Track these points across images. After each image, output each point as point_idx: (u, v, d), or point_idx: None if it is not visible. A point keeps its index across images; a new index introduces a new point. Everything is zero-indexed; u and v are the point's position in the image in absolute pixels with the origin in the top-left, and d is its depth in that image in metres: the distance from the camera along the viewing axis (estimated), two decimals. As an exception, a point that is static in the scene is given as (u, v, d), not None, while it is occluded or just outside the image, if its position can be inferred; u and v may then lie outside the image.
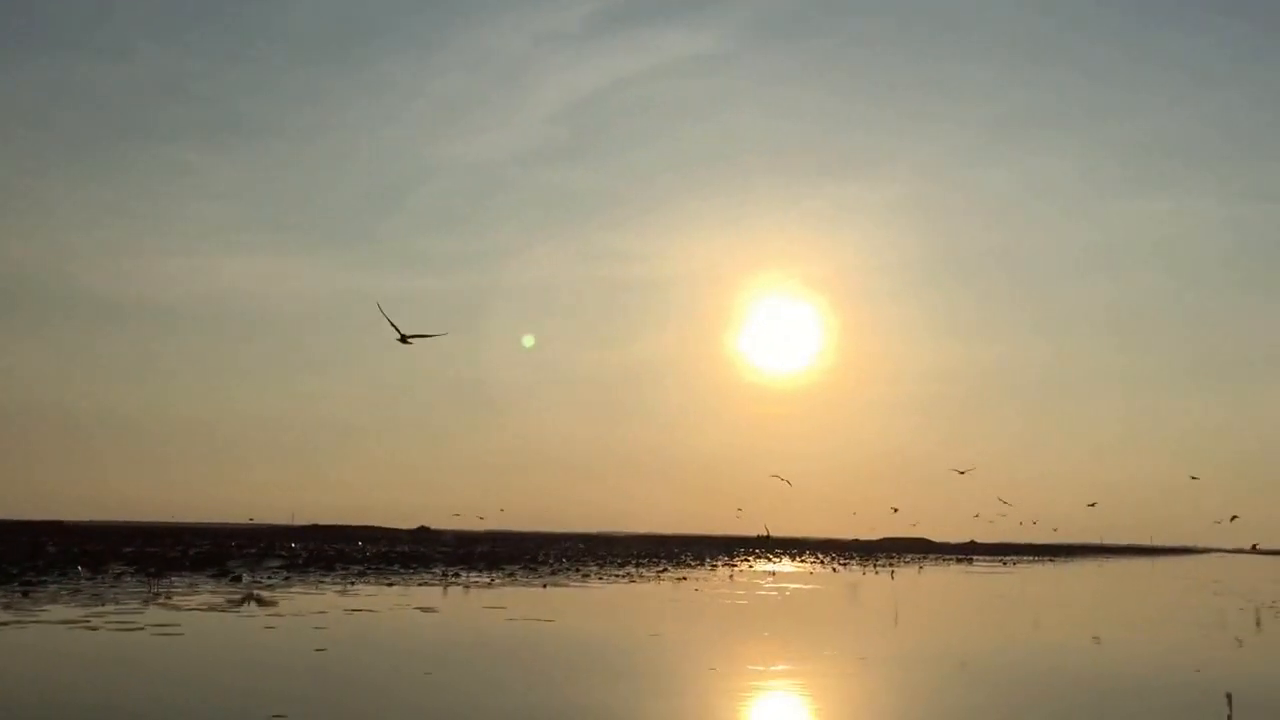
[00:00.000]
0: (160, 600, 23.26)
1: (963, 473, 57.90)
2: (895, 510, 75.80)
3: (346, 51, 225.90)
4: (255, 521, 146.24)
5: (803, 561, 71.94)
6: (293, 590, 27.86)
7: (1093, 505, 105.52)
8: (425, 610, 22.35)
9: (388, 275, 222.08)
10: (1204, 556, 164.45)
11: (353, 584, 31.86)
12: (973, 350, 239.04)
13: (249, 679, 12.62)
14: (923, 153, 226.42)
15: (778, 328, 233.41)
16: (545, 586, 33.91)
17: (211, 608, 21.56)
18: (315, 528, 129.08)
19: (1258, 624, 26.51)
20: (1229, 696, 10.64)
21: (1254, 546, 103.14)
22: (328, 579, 33.88)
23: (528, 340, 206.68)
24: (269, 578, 33.86)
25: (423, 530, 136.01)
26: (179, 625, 17.94)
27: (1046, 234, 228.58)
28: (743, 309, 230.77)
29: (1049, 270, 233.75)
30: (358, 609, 22.03)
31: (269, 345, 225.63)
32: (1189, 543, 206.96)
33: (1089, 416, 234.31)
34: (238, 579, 32.32)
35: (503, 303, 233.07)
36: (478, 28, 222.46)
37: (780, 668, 14.78)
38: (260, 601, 23.56)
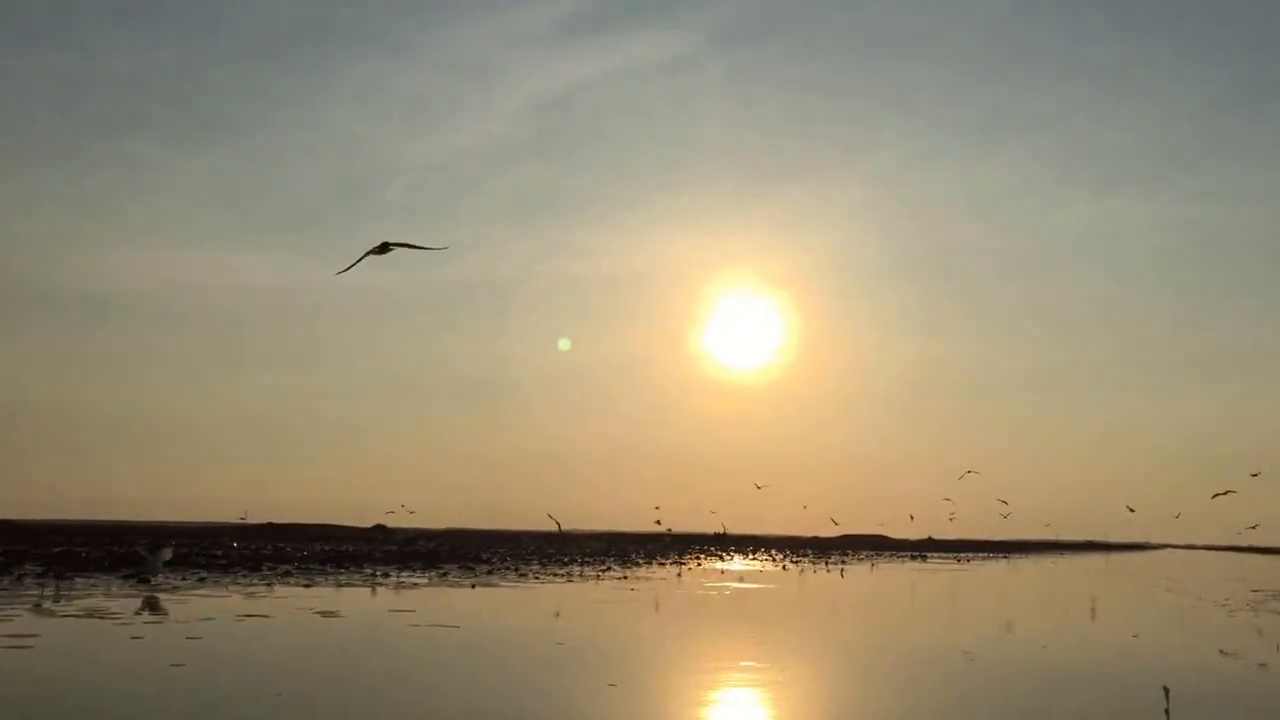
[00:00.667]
0: (47, 604, 21.66)
1: (972, 473, 57.62)
2: (835, 523, 75.09)
3: (311, 48, 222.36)
4: (204, 520, 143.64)
5: (756, 559, 70.91)
6: (199, 593, 26.24)
7: (1133, 510, 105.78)
8: (325, 615, 20.84)
9: (350, 272, 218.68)
10: (1156, 552, 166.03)
11: (270, 585, 30.30)
12: (934, 347, 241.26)
13: (68, 702, 11.15)
14: (885, 153, 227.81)
15: (741, 325, 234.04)
16: (474, 587, 32.50)
17: (93, 613, 19.96)
18: (269, 526, 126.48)
19: (1198, 617, 25.60)
20: (1166, 690, 10.69)
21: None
22: (246, 580, 32.25)
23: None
24: (183, 579, 32.23)
25: (379, 529, 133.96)
26: (39, 635, 16.37)
27: (996, 236, 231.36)
28: (707, 306, 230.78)
29: (996, 272, 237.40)
30: (252, 614, 20.51)
31: (230, 341, 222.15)
32: (1141, 539, 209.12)
33: (1038, 414, 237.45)
34: (145, 580, 30.65)
35: (467, 300, 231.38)
36: (447, 28, 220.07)
37: (684, 678, 13.50)
38: (153, 608, 21.98)
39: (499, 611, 24.13)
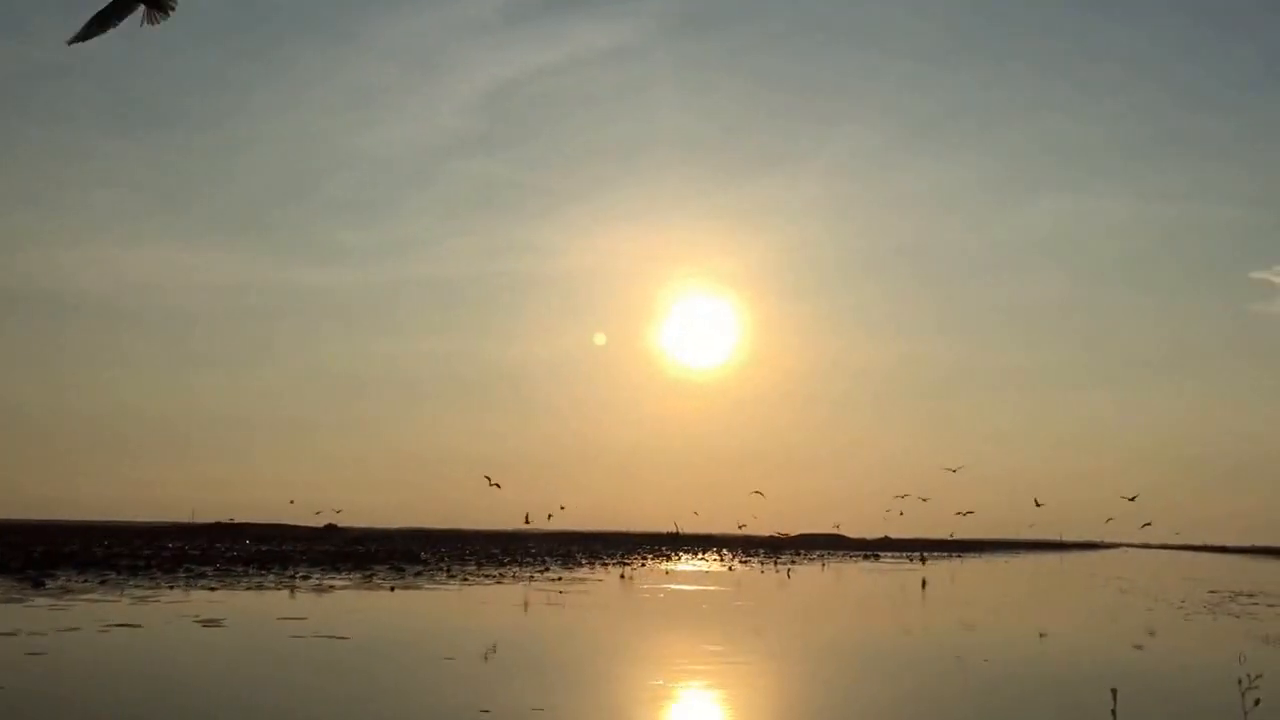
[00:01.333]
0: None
1: (954, 470, 56.47)
2: (783, 535, 73.73)
3: (257, 37, 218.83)
4: (153, 520, 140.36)
5: (705, 559, 69.46)
6: (88, 598, 24.30)
7: (1040, 504, 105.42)
8: (206, 624, 18.98)
9: (295, 267, 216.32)
10: (1110, 551, 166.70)
11: (174, 589, 28.36)
12: (883, 347, 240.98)
13: None
14: (836, 152, 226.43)
15: (696, 323, 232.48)
16: (393, 590, 30.69)
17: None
18: (217, 525, 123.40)
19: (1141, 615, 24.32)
20: (1114, 692, 10.63)
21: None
22: (151, 584, 30.24)
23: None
24: (85, 581, 30.22)
25: (330, 528, 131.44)
26: None
27: (955, 234, 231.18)
28: (662, 304, 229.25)
29: (957, 269, 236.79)
30: (125, 624, 18.61)
31: (171, 338, 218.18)
32: (1096, 538, 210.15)
33: (999, 414, 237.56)
34: (40, 584, 28.61)
35: (415, 296, 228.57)
36: (392, 16, 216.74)
37: (570, 703, 11.87)
38: (21, 615, 20.04)
39: (404, 618, 22.37)
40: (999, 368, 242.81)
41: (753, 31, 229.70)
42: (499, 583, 35.63)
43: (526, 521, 47.72)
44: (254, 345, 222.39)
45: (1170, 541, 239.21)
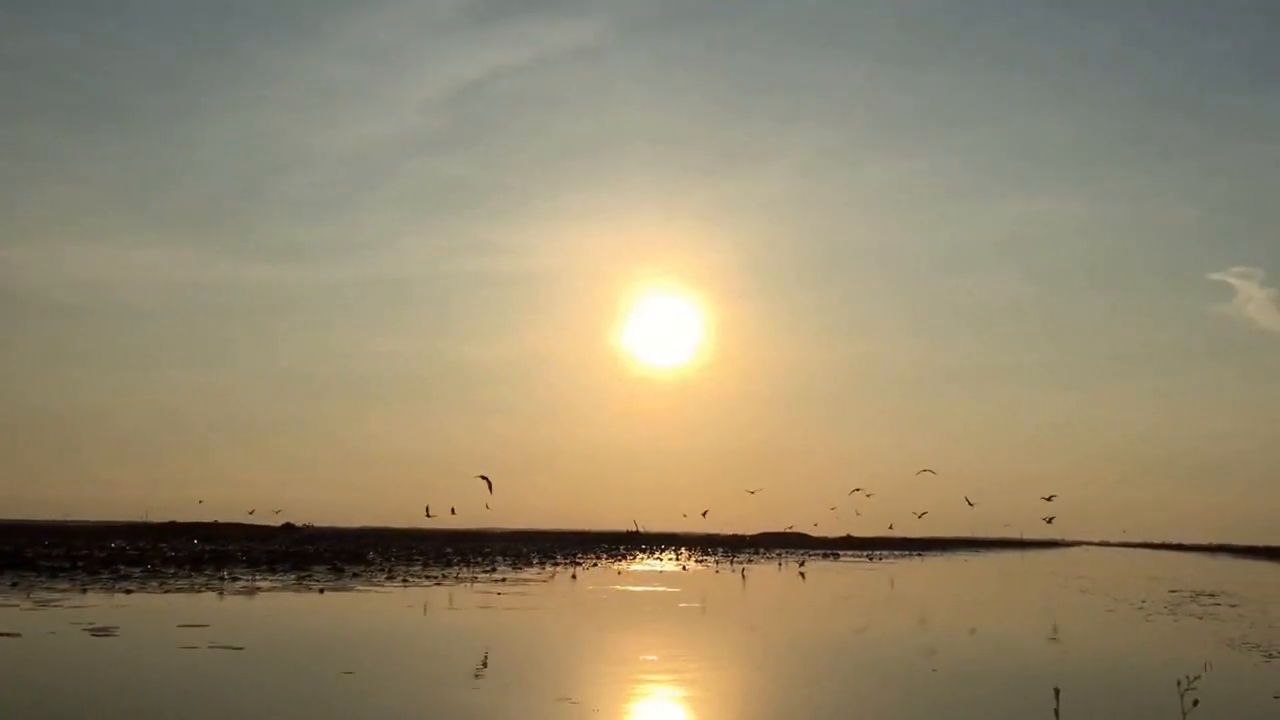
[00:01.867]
0: None
1: (930, 472, 55.51)
2: (704, 513, 72.93)
3: (216, 33, 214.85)
4: (105, 519, 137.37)
5: (662, 558, 68.36)
6: (-11, 603, 22.80)
7: (972, 504, 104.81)
8: (98, 632, 17.47)
9: (252, 266, 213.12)
10: (1070, 550, 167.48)
11: (85, 592, 26.84)
12: (851, 346, 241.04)
13: None
14: (801, 151, 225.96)
15: (659, 323, 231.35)
16: (323, 592, 29.28)
17: None
18: (171, 525, 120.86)
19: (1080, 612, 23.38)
20: (1057, 691, 10.77)
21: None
22: (64, 587, 28.63)
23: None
24: (-5, 584, 28.68)
25: (288, 528, 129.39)
26: None
27: (919, 233, 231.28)
28: (624, 304, 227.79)
29: (921, 269, 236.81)
30: (6, 632, 17.14)
31: (123, 336, 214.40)
32: (1057, 536, 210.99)
33: (961, 412, 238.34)
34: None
35: (374, 295, 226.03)
36: (355, 14, 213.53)
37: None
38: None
39: (316, 624, 20.98)
40: (961, 367, 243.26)
41: (716, 31, 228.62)
42: (439, 584, 34.25)
43: (428, 514, 46.51)
44: (208, 343, 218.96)
45: (1130, 539, 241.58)
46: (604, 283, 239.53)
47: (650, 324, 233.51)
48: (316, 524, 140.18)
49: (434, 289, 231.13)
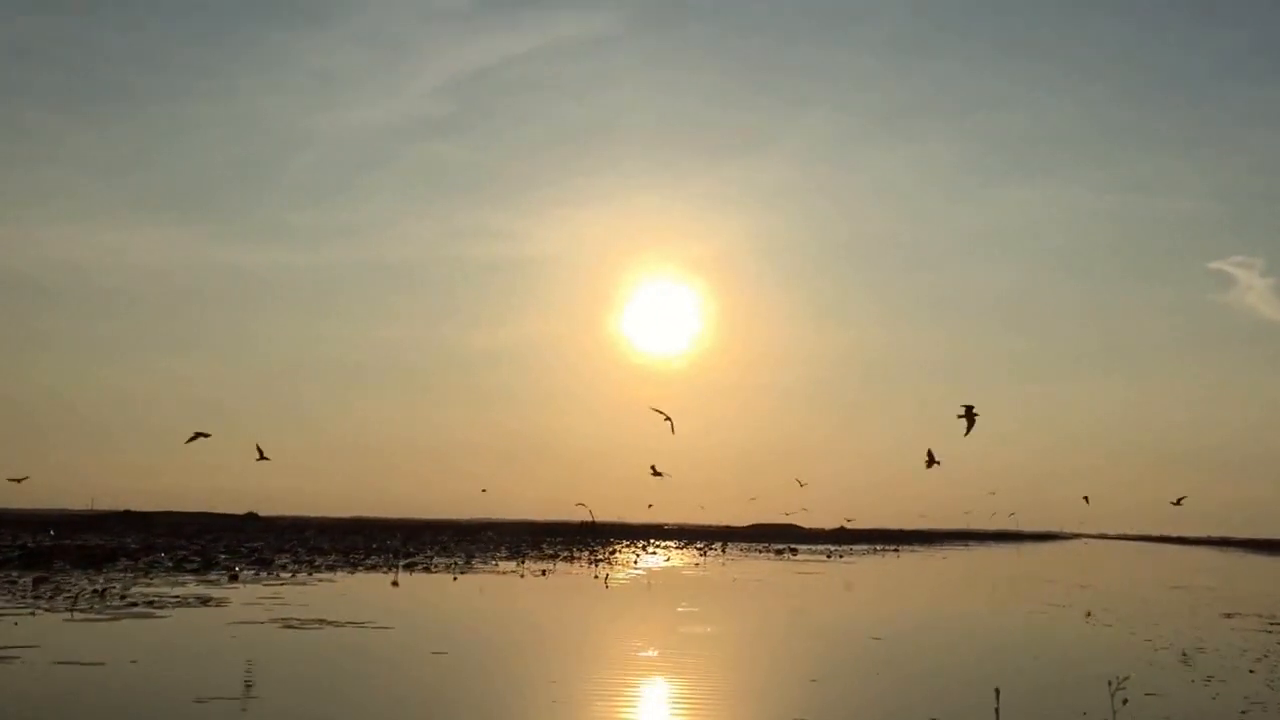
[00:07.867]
0: None
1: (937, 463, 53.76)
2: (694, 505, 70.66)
3: (218, 15, 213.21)
4: (54, 507, 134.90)
5: (650, 552, 66.92)
6: None
7: (993, 493, 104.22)
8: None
9: (254, 249, 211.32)
10: (1068, 543, 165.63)
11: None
12: (851, 334, 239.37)
13: None
14: (805, 138, 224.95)
15: (660, 310, 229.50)
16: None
17: None
18: (125, 514, 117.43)
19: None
20: (997, 691, 10.80)
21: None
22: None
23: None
24: None
25: (250, 517, 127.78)
26: None
27: (925, 220, 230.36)
28: (625, 290, 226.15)
29: (928, 256, 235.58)
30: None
31: (95, 320, 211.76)
32: (1053, 529, 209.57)
33: (950, 403, 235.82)
34: None
35: (364, 280, 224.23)
36: (365, 2, 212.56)
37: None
38: None
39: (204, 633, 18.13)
40: (948, 359, 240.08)
41: (721, 20, 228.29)
42: (352, 573, 32.18)
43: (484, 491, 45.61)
44: (183, 328, 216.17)
45: (1128, 532, 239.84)
46: (605, 269, 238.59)
47: (653, 311, 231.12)
48: (287, 514, 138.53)
49: (432, 274, 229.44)
